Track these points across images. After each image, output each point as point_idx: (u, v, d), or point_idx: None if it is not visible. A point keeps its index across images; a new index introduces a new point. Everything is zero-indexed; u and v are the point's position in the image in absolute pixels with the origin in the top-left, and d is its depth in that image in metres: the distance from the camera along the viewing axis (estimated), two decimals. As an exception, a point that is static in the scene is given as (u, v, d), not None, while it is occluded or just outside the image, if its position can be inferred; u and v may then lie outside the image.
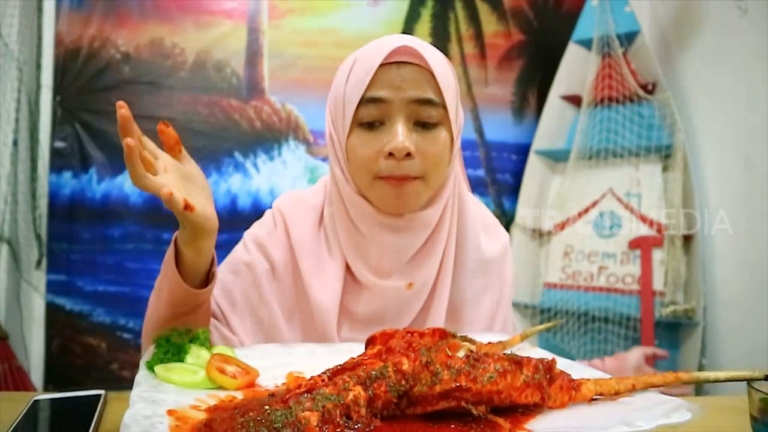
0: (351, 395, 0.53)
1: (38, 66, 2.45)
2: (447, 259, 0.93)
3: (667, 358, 1.22)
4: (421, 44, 0.84)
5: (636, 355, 1.18)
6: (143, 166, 0.66)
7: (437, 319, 0.92)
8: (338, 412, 0.52)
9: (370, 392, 0.54)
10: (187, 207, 0.71)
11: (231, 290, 0.93)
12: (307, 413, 0.51)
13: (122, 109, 0.65)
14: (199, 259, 0.79)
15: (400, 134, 0.80)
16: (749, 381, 0.59)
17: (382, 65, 0.81)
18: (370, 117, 0.83)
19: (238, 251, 0.97)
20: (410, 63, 0.82)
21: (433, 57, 0.84)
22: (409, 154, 0.81)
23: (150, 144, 0.72)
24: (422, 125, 0.83)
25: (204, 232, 0.76)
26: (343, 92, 0.86)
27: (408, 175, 0.82)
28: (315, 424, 0.50)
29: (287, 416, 0.50)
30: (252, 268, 0.94)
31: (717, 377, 0.63)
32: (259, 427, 0.49)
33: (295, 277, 0.94)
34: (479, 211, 1.02)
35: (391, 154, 0.81)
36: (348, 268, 0.91)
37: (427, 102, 0.82)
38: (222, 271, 0.95)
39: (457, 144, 0.91)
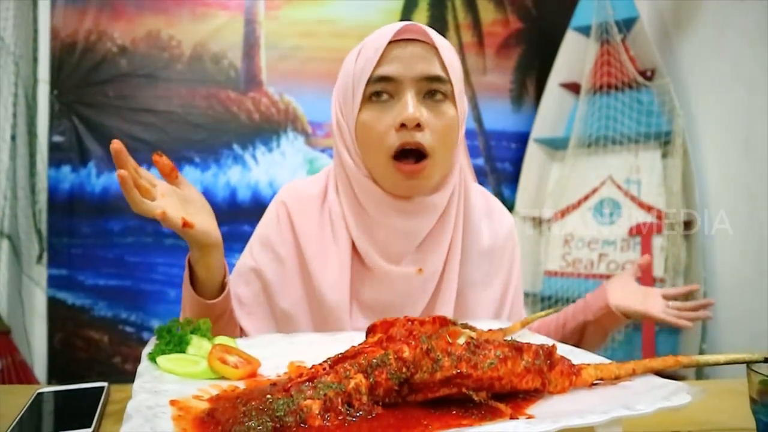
0: (352, 383, 0.54)
1: (35, 60, 2.44)
2: (455, 245, 0.93)
3: (649, 262, 1.11)
4: (429, 28, 0.87)
5: (619, 280, 1.07)
6: (141, 193, 0.72)
7: (446, 305, 0.92)
8: (340, 400, 0.52)
9: (371, 380, 0.54)
10: (186, 224, 0.76)
11: (242, 297, 0.96)
12: (308, 401, 0.51)
13: (115, 145, 0.71)
14: (210, 274, 0.84)
15: (411, 105, 0.82)
16: (749, 364, 0.59)
17: (390, 43, 0.84)
18: (380, 93, 0.85)
19: (245, 257, 0.99)
20: (417, 40, 0.85)
21: (439, 37, 0.87)
22: (419, 125, 0.83)
23: (146, 173, 0.77)
24: (431, 100, 0.85)
25: (208, 248, 0.81)
26: (352, 73, 0.87)
27: (420, 144, 0.83)
28: (317, 412, 0.50)
29: (289, 405, 0.50)
30: (260, 273, 0.96)
31: (717, 360, 0.63)
32: (262, 415, 0.49)
33: (302, 269, 0.94)
34: (483, 198, 1.02)
35: (402, 126, 0.82)
36: (355, 256, 0.92)
37: (436, 78, 0.85)
38: (232, 280, 0.98)
39: (461, 133, 0.91)
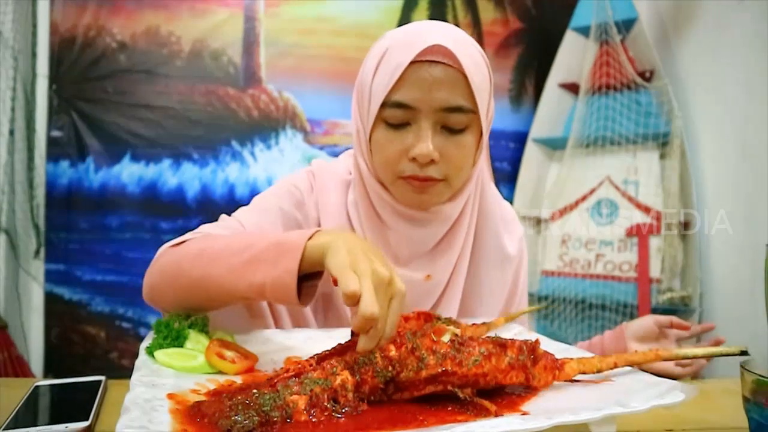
0: (338, 380, 0.54)
1: (34, 54, 2.43)
2: (464, 254, 0.93)
3: (711, 328, 1.01)
4: (457, 42, 0.79)
5: (642, 325, 0.99)
6: None
7: (450, 313, 0.92)
8: (326, 396, 0.53)
9: (357, 377, 0.55)
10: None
11: (257, 225, 0.87)
12: (295, 397, 0.51)
13: None
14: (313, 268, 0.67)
15: (425, 140, 0.78)
16: (742, 363, 0.60)
17: (412, 62, 0.77)
18: (395, 119, 0.80)
19: (269, 196, 0.92)
20: (443, 63, 0.78)
21: (468, 58, 0.79)
22: (432, 160, 0.79)
23: None
24: (449, 130, 0.81)
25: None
26: (370, 86, 0.82)
27: (431, 177, 0.81)
28: (303, 407, 0.51)
29: (275, 399, 0.51)
30: (285, 214, 0.89)
31: (695, 353, 0.65)
32: (248, 410, 0.49)
33: None
34: (499, 206, 1.01)
35: (414, 158, 0.79)
36: None
37: (457, 109, 0.79)
38: (249, 210, 0.90)
39: (486, 137, 0.89)
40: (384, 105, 0.80)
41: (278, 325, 0.89)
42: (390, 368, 0.55)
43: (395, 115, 0.80)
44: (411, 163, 0.80)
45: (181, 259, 0.73)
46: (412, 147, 0.79)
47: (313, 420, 0.51)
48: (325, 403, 0.52)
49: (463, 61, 0.78)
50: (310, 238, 0.64)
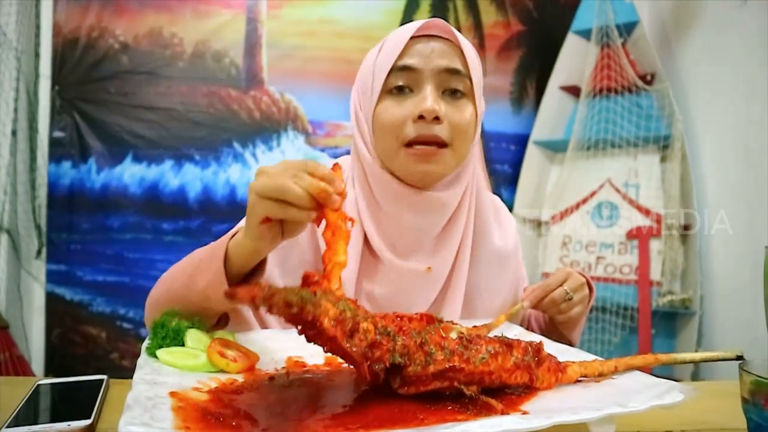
0: (364, 325, 0.55)
1: (36, 55, 2.45)
2: (464, 247, 0.93)
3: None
4: (453, 28, 0.89)
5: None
6: None
7: (453, 308, 0.92)
8: (349, 325, 0.54)
9: (378, 338, 0.56)
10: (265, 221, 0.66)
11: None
12: (329, 305, 0.53)
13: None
14: (247, 264, 0.72)
15: (430, 98, 0.82)
16: (741, 363, 0.60)
17: (412, 38, 0.85)
18: (401, 81, 0.85)
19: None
20: (440, 37, 0.86)
21: (461, 36, 0.88)
22: (437, 118, 0.82)
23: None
24: (450, 95, 0.85)
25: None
26: (373, 64, 0.88)
27: (437, 137, 0.83)
28: (331, 315, 0.53)
29: (312, 298, 0.52)
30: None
31: (693, 358, 0.66)
32: (291, 295, 0.50)
33: (314, 245, 0.92)
34: (490, 200, 1.02)
35: (420, 117, 0.82)
36: (366, 248, 0.91)
37: (456, 72, 0.85)
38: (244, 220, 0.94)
39: (478, 132, 0.91)
40: (390, 73, 0.84)
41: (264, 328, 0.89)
42: (400, 357, 0.56)
43: (400, 80, 0.85)
44: (417, 124, 0.83)
45: (164, 280, 0.81)
46: (418, 107, 0.83)
47: (333, 324, 0.53)
48: (346, 329, 0.54)
49: (458, 36, 0.86)
50: (233, 237, 0.71)
